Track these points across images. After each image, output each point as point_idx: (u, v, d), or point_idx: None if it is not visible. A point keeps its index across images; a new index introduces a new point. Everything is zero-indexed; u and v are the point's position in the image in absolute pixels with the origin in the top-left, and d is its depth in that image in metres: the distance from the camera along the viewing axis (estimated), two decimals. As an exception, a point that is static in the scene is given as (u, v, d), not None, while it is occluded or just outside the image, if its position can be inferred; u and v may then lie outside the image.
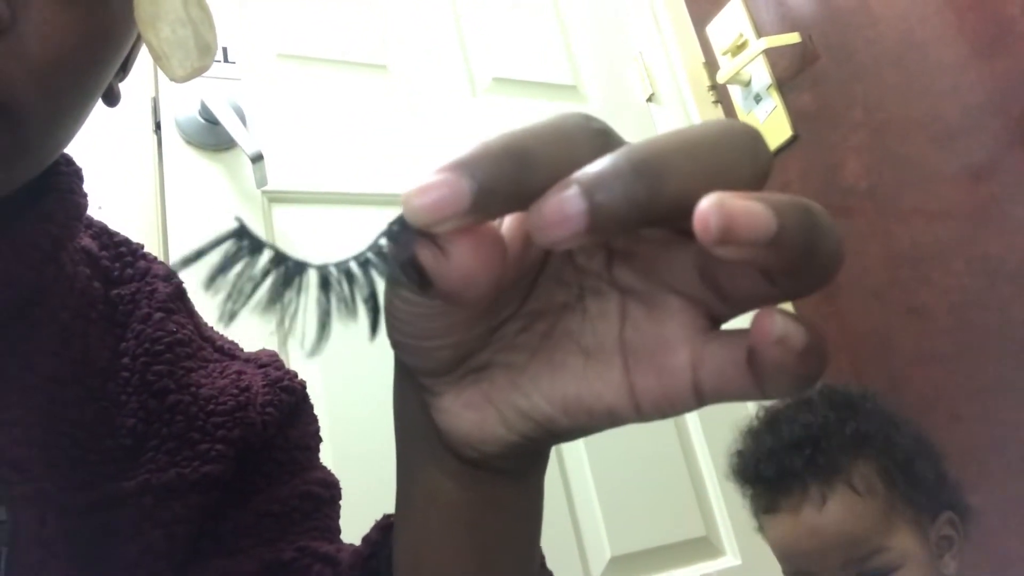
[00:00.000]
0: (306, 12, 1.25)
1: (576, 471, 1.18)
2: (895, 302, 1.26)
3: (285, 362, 0.48)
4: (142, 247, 0.45)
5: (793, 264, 0.19)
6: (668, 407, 0.23)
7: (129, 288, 0.42)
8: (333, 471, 0.46)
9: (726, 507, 1.26)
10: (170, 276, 0.44)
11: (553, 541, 1.09)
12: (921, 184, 1.22)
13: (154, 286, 0.43)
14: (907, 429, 0.76)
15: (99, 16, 0.33)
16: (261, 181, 1.08)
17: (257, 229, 0.97)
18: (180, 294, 0.45)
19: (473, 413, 0.25)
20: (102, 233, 0.44)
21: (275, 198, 1.11)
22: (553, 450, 1.16)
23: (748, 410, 1.37)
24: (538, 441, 0.26)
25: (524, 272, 0.24)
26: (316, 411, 0.48)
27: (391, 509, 0.32)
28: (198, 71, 0.37)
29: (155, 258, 0.45)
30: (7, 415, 0.34)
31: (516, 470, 0.28)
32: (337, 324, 0.21)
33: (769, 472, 0.74)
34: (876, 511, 0.70)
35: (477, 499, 0.28)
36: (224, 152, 1.10)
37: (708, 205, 0.18)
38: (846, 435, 0.73)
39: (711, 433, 1.31)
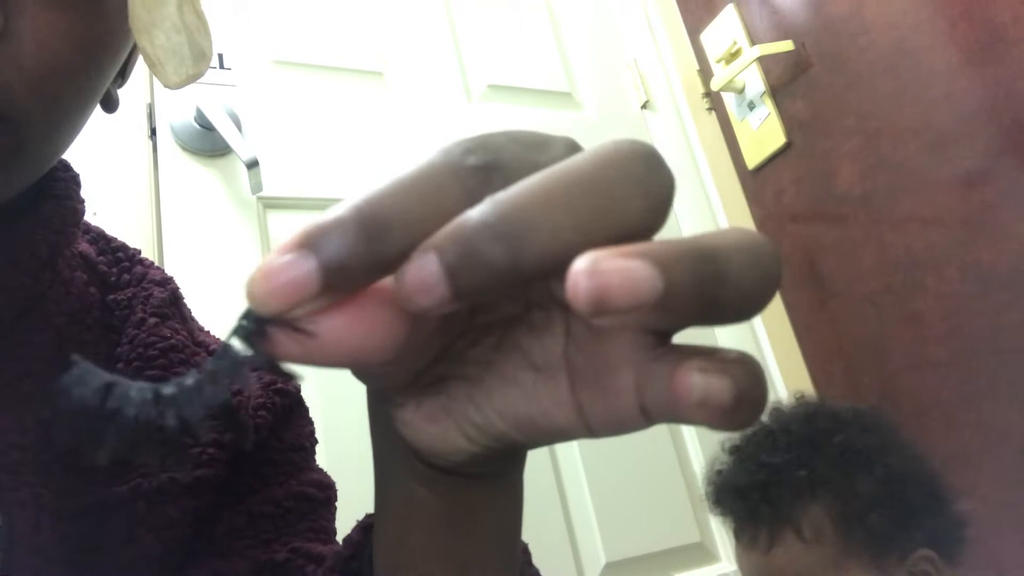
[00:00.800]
0: (302, 19, 1.25)
1: (571, 477, 1.18)
2: (889, 309, 1.26)
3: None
4: (139, 252, 0.45)
5: (689, 319, 0.18)
6: (618, 427, 0.22)
7: (126, 293, 0.42)
8: (328, 473, 0.46)
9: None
10: (166, 281, 0.44)
11: (548, 547, 1.09)
12: (914, 191, 1.23)
13: (150, 291, 0.43)
14: (888, 464, 0.74)
15: (94, 22, 0.33)
16: (256, 187, 1.08)
17: (252, 235, 0.96)
18: (175, 299, 0.45)
19: (434, 426, 0.25)
20: (99, 238, 0.44)
21: (270, 204, 1.11)
22: (548, 455, 1.16)
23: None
24: (502, 451, 0.25)
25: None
26: (311, 414, 0.48)
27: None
28: (193, 78, 0.37)
29: (152, 263, 0.45)
30: (2, 421, 0.34)
31: (489, 473, 0.27)
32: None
33: (726, 508, 0.76)
34: (824, 557, 0.69)
35: (453, 503, 0.27)
36: (219, 158, 1.10)
37: (577, 271, 0.16)
38: (802, 479, 0.72)
39: (705, 438, 1.31)
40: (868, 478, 0.72)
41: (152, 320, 0.41)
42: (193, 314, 0.47)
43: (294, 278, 0.17)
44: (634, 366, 0.21)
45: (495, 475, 0.28)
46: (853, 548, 0.70)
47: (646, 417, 0.21)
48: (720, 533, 1.25)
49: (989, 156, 1.13)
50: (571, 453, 1.19)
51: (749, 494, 0.74)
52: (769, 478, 0.73)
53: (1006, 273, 1.11)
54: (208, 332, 0.47)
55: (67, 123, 0.34)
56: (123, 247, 0.45)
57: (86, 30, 0.33)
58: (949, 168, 1.18)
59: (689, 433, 1.31)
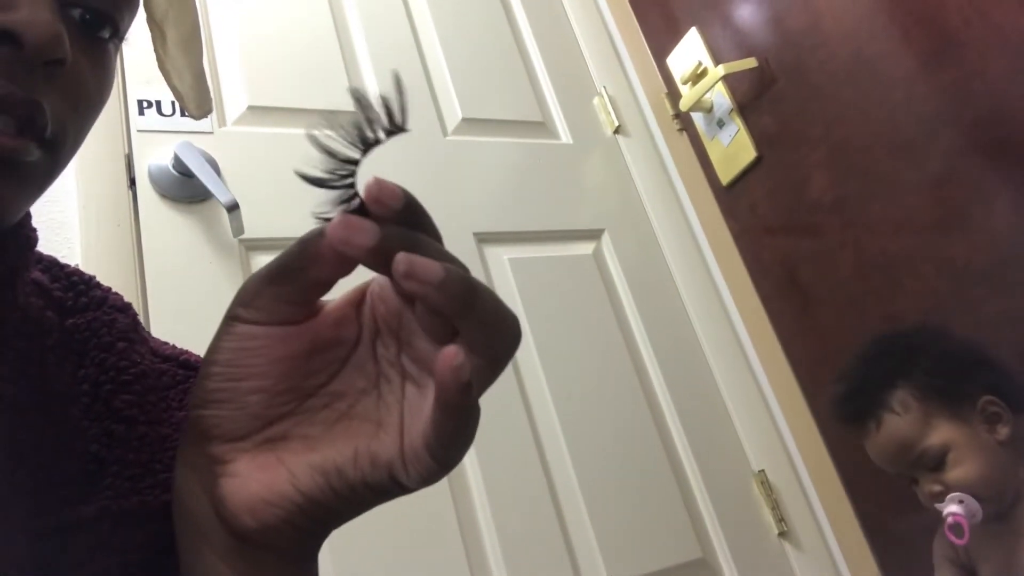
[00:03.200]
0: (274, 63, 1.27)
1: (568, 499, 1.17)
2: (870, 311, 1.28)
3: None
4: (94, 278, 0.45)
5: (456, 307, 0.27)
6: (421, 455, 0.30)
7: (85, 317, 0.42)
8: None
9: (722, 529, 1.26)
10: (127, 307, 0.45)
11: (548, 569, 1.09)
12: (885, 194, 1.25)
13: (112, 316, 0.43)
14: (938, 351, 0.99)
15: (111, 69, 0.39)
16: (238, 230, 1.09)
17: (236, 278, 0.97)
18: (136, 325, 0.45)
19: (264, 474, 0.30)
20: (52, 266, 0.44)
21: (252, 246, 1.12)
22: (544, 477, 1.15)
23: (729, 435, 1.38)
24: (319, 506, 0.30)
25: (337, 342, 0.32)
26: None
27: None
28: (208, 112, 0.45)
29: (110, 288, 0.45)
30: None
31: (289, 550, 0.31)
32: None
33: (844, 416, 1.03)
34: (916, 421, 0.94)
35: None
36: (199, 204, 1.12)
37: (402, 255, 0.27)
38: (883, 377, 0.98)
39: (700, 454, 1.32)
40: (927, 359, 0.97)
41: (121, 344, 0.42)
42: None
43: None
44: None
45: (293, 556, 0.32)
46: (933, 408, 0.93)
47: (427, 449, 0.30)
48: (722, 547, 1.25)
49: (953, 156, 1.16)
50: (567, 475, 1.19)
51: (853, 400, 1.01)
52: (862, 384, 1.00)
53: (980, 268, 1.14)
54: (172, 345, 0.48)
55: (76, 152, 0.38)
56: (77, 272, 0.45)
57: (111, 72, 0.38)
58: (916, 170, 1.21)
59: (685, 451, 1.32)
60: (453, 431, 0.29)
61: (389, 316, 0.32)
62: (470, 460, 1.12)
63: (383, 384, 0.32)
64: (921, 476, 0.94)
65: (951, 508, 0.90)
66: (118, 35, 0.39)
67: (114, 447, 0.39)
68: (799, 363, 1.39)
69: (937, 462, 0.92)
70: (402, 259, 0.27)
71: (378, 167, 1.11)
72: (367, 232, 0.27)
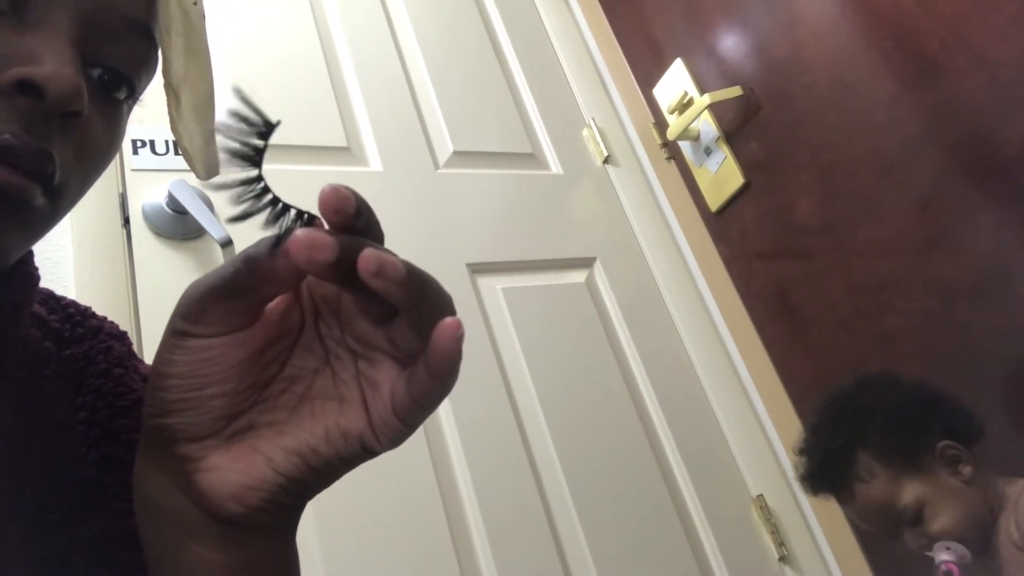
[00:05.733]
0: (266, 101, 1.29)
1: (566, 527, 1.16)
2: (861, 332, 1.29)
3: None
4: (90, 308, 0.47)
5: (413, 299, 0.29)
6: (391, 422, 0.32)
7: (82, 347, 0.44)
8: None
9: (721, 555, 1.25)
10: (123, 335, 0.47)
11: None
12: (872, 216, 1.27)
13: (108, 344, 0.45)
14: (886, 413, 1.00)
15: (122, 125, 0.40)
16: (231, 265, 1.09)
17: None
18: (131, 353, 0.47)
19: (241, 463, 0.31)
20: (49, 299, 0.46)
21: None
22: (541, 504, 1.14)
23: (726, 460, 1.37)
24: (299, 483, 0.32)
25: (285, 332, 0.33)
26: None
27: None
28: (215, 175, 0.46)
29: (105, 317, 0.47)
30: None
31: (274, 525, 0.33)
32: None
33: (816, 491, 1.05)
34: (884, 484, 0.96)
35: (238, 563, 0.32)
36: (193, 240, 1.12)
37: (370, 252, 0.28)
38: (842, 447, 1.00)
39: (697, 481, 1.31)
40: (879, 418, 0.99)
41: (118, 371, 0.43)
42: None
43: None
44: (390, 381, 0.32)
45: (277, 530, 0.34)
46: (896, 467, 0.96)
47: (396, 413, 0.32)
48: (722, 573, 1.24)
49: (937, 176, 1.18)
50: (564, 502, 1.18)
51: (820, 477, 1.03)
52: (824, 459, 1.02)
53: (968, 286, 1.15)
54: None
55: (78, 202, 0.40)
56: (73, 304, 0.46)
57: (122, 128, 0.40)
58: (901, 191, 1.22)
59: (683, 478, 1.31)
60: (437, 395, 0.31)
61: (328, 299, 0.34)
62: (466, 488, 1.12)
63: (334, 362, 0.34)
64: (905, 532, 0.97)
65: (941, 556, 0.93)
66: (133, 97, 0.40)
67: (113, 471, 0.40)
68: (794, 386, 1.40)
69: (915, 518, 0.95)
70: (371, 258, 0.28)
71: (374, 204, 1.13)
72: (329, 248, 0.28)
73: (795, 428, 1.38)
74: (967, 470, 0.96)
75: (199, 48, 0.41)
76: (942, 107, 1.16)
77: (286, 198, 0.31)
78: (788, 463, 1.39)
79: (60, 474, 0.38)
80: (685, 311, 1.49)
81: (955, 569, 0.91)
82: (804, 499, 1.36)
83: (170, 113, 0.44)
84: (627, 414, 1.32)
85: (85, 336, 0.44)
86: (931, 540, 0.94)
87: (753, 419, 1.42)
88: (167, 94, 0.43)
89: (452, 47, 1.57)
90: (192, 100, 0.42)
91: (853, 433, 1.00)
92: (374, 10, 1.52)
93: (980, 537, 0.94)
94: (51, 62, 0.33)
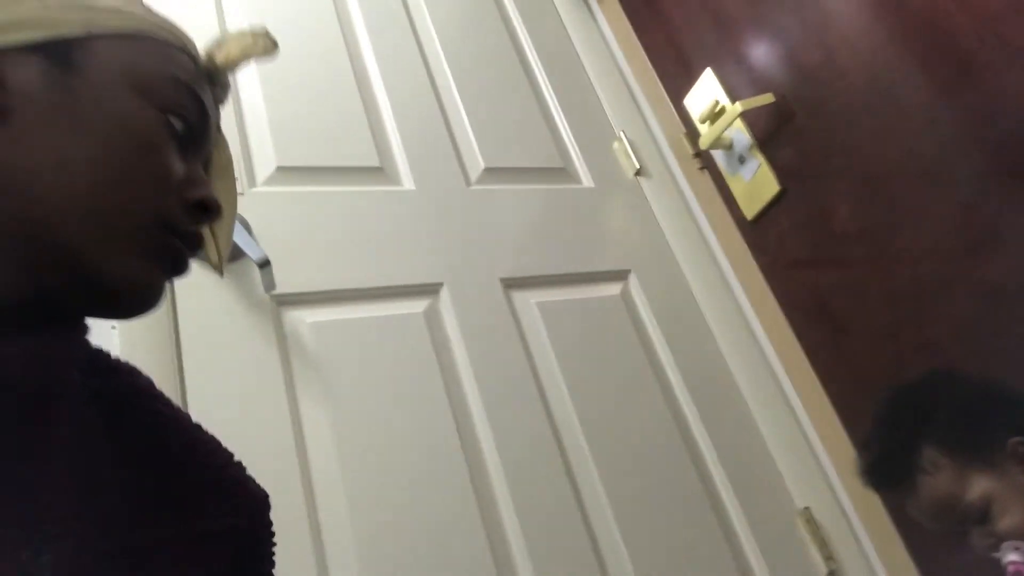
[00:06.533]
0: (300, 124, 1.31)
1: (608, 545, 1.15)
2: (905, 339, 1.26)
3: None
4: (110, 352, 0.53)
5: None
6: None
7: (112, 381, 0.51)
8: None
9: (769, 571, 1.23)
10: (137, 370, 0.54)
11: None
12: (912, 221, 1.24)
13: (133, 378, 0.53)
14: (952, 407, 0.97)
15: None
16: (269, 286, 1.11)
17: (268, 333, 0.98)
18: (153, 383, 0.54)
19: None
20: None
21: (283, 301, 1.14)
22: (583, 523, 1.12)
23: (770, 473, 1.35)
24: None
25: None
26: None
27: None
28: (225, 268, 0.58)
29: (117, 358, 0.53)
30: (55, 480, 0.40)
31: None
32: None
33: (877, 485, 1.04)
34: (949, 478, 0.92)
35: None
36: (232, 263, 1.14)
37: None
38: (907, 439, 0.97)
39: (741, 495, 1.29)
40: (946, 411, 0.96)
41: (150, 400, 0.52)
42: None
43: None
44: None
45: None
46: (964, 461, 0.92)
47: None
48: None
49: (980, 177, 1.15)
50: (607, 520, 1.17)
51: (882, 468, 1.00)
52: (887, 450, 0.99)
53: (1014, 288, 1.11)
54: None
55: None
56: (99, 349, 0.53)
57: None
58: (942, 195, 1.20)
59: (727, 492, 1.29)
60: None
61: None
62: (506, 507, 1.11)
63: None
64: (970, 530, 0.93)
65: (1011, 557, 0.88)
66: None
67: (172, 483, 0.48)
68: (837, 396, 1.37)
69: (982, 515, 0.91)
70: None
71: (403, 219, 1.18)
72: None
73: (840, 438, 1.35)
74: None
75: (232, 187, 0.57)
76: (983, 106, 1.14)
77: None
78: (834, 474, 1.36)
79: (129, 483, 0.45)
80: (723, 321, 1.47)
81: None
82: (851, 511, 1.33)
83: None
84: (667, 426, 1.30)
85: (110, 371, 0.51)
86: (999, 540, 0.89)
87: (797, 430, 1.39)
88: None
89: (480, 64, 1.58)
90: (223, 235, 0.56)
91: (919, 424, 0.97)
92: (403, 31, 1.54)
93: None
94: (209, 189, 0.49)
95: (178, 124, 0.47)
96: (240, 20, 1.36)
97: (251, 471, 0.57)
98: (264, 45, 0.54)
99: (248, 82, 1.30)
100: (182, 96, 0.48)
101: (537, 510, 1.12)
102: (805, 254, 1.42)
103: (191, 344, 1.04)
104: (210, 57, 0.52)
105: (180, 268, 0.48)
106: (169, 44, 0.49)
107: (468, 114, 1.48)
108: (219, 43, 0.53)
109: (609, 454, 1.22)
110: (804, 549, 1.29)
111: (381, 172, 1.35)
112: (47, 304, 0.43)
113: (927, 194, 1.22)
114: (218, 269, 0.56)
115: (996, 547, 0.89)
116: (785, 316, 1.44)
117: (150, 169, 0.45)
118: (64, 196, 0.42)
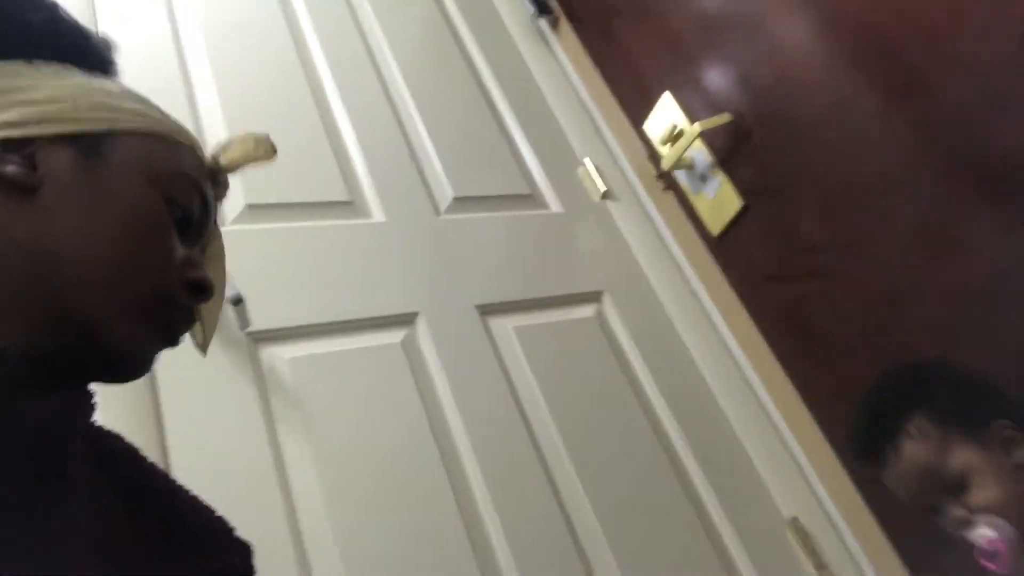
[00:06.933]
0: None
1: (601, 566, 1.14)
2: (881, 344, 1.28)
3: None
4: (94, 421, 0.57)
5: None
6: None
7: (101, 445, 0.54)
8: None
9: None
10: (123, 438, 0.58)
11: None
12: (877, 229, 1.28)
13: (122, 442, 0.57)
14: (947, 381, 1.02)
15: None
16: (244, 323, 1.09)
17: (245, 370, 0.97)
18: (138, 448, 0.59)
19: None
20: None
21: (259, 338, 1.12)
22: (573, 545, 1.11)
23: (756, 486, 1.35)
24: None
25: None
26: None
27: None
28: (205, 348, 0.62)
29: (101, 425, 0.57)
30: (74, 531, 0.45)
31: None
32: None
33: (863, 446, 1.03)
34: (933, 444, 0.94)
35: None
36: (204, 301, 1.12)
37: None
38: (898, 405, 0.99)
39: (729, 509, 1.29)
40: (939, 385, 1.00)
41: (136, 458, 0.57)
42: None
43: None
44: None
45: None
46: (950, 432, 0.94)
47: None
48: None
49: (937, 183, 1.19)
50: (598, 541, 1.16)
51: (870, 431, 1.01)
52: (877, 414, 1.01)
53: (979, 288, 1.15)
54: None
55: None
56: None
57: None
58: (904, 202, 1.23)
59: (715, 507, 1.29)
60: None
61: None
62: (495, 531, 1.09)
63: None
64: (944, 503, 0.93)
65: (984, 532, 0.88)
66: None
67: (171, 534, 0.53)
68: (816, 404, 1.39)
69: (959, 486, 0.91)
70: None
71: (374, 250, 1.18)
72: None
73: (821, 446, 1.36)
74: (1021, 454, 0.92)
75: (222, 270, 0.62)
76: (934, 115, 1.18)
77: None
78: (818, 482, 1.36)
79: (134, 542, 0.50)
80: (697, 336, 1.49)
81: (1001, 545, 0.86)
82: (839, 518, 1.33)
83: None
84: (650, 443, 1.30)
85: (97, 436, 0.55)
86: (971, 513, 0.90)
87: (777, 440, 1.40)
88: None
89: (443, 98, 1.60)
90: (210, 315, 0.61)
91: (911, 393, 0.99)
92: (364, 67, 1.55)
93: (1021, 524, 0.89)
94: (206, 271, 0.53)
95: (179, 213, 0.53)
96: (198, 60, 1.36)
97: (234, 510, 0.59)
98: (265, 150, 0.61)
99: (213, 123, 1.30)
100: (188, 189, 0.54)
101: (525, 532, 1.10)
102: (772, 267, 1.45)
103: (168, 385, 1.02)
104: (215, 158, 0.59)
105: (174, 340, 0.53)
106: (181, 144, 0.56)
107: (434, 146, 1.49)
108: (224, 146, 0.60)
109: (594, 474, 1.22)
110: (795, 559, 1.29)
111: (351, 206, 1.34)
112: (53, 366, 0.47)
113: (887, 203, 1.25)
114: (202, 349, 0.60)
115: (968, 522, 0.90)
116: (757, 328, 1.46)
117: (156, 248, 0.51)
118: (81, 266, 0.47)
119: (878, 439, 0.99)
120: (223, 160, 0.59)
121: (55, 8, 0.55)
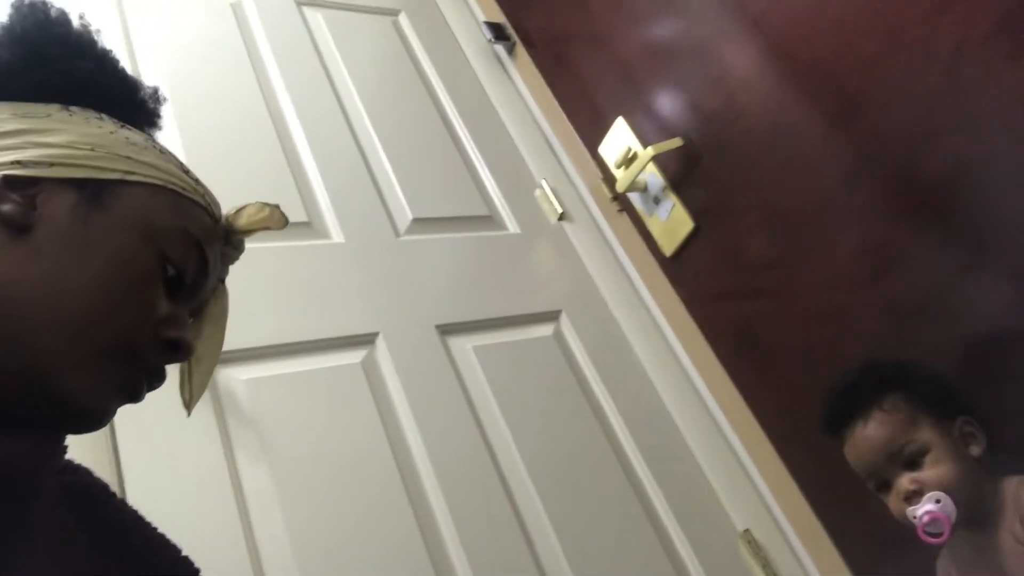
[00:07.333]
0: (225, 186, 1.30)
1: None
2: (825, 359, 1.32)
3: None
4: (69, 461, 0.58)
5: None
6: None
7: (77, 481, 0.56)
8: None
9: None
10: (93, 473, 0.59)
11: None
12: (819, 248, 1.33)
13: (92, 479, 0.58)
14: (925, 371, 1.07)
15: None
16: (202, 344, 1.09)
17: (205, 397, 0.97)
18: (108, 485, 0.59)
19: None
20: None
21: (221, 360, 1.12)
22: (533, 562, 1.13)
23: (710, 499, 1.38)
24: None
25: None
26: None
27: None
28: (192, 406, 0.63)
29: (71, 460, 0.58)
30: (44, 562, 0.46)
31: None
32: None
33: (835, 413, 1.07)
34: (902, 419, 1.00)
35: None
36: (161, 323, 1.12)
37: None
38: (876, 383, 1.05)
39: (684, 522, 1.32)
40: (916, 373, 1.06)
41: (113, 499, 0.58)
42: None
43: None
44: None
45: None
46: (920, 413, 1.00)
47: None
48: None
49: (875, 205, 1.25)
50: (556, 557, 1.17)
51: (846, 400, 1.06)
52: (856, 387, 1.06)
53: (912, 304, 1.20)
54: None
55: None
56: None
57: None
58: (844, 223, 1.29)
59: (670, 520, 1.32)
60: None
61: None
62: (455, 549, 1.10)
63: None
64: (897, 476, 0.98)
65: (927, 507, 0.94)
66: None
67: (138, 570, 0.54)
68: (766, 418, 1.43)
69: (914, 460, 0.98)
70: None
71: (340, 275, 1.20)
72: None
73: (771, 458, 1.40)
74: (978, 450, 0.99)
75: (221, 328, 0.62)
76: (872, 140, 1.24)
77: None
78: (769, 495, 1.40)
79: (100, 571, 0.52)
80: (651, 353, 1.52)
81: (943, 518, 0.92)
82: (789, 530, 1.37)
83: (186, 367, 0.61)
84: (607, 460, 1.33)
85: (65, 470, 0.55)
86: (922, 488, 0.95)
87: (730, 454, 1.44)
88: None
89: (401, 121, 1.62)
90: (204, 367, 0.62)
91: (889, 375, 1.05)
92: (323, 90, 1.57)
93: (969, 507, 0.94)
94: (185, 332, 0.53)
95: (173, 270, 0.53)
96: (155, 84, 1.36)
97: (191, 534, 0.60)
98: (278, 218, 0.62)
99: (170, 145, 1.30)
100: (187, 247, 0.54)
101: (485, 549, 1.12)
102: (722, 285, 1.50)
103: (123, 407, 1.01)
104: (228, 220, 0.59)
105: (136, 398, 0.52)
106: (192, 203, 0.56)
107: (393, 168, 1.51)
108: (239, 210, 0.60)
109: (552, 489, 1.24)
110: (749, 571, 1.32)
111: (309, 227, 1.35)
112: (11, 412, 0.46)
113: (830, 222, 1.31)
114: (187, 407, 0.60)
115: (916, 495, 0.95)
116: (710, 345, 1.51)
117: (132, 301, 0.50)
118: (48, 312, 0.46)
119: (853, 408, 1.04)
120: (237, 223, 0.60)
121: (104, 58, 0.56)
